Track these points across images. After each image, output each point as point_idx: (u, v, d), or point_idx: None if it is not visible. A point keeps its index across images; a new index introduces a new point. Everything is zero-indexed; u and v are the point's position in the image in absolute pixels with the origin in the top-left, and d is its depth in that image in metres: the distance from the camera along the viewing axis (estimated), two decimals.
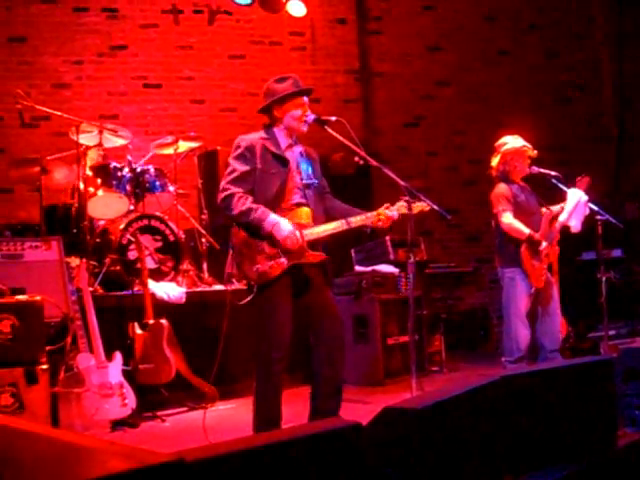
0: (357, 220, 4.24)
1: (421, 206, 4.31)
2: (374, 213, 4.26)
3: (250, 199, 4.09)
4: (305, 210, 4.22)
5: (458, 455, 2.46)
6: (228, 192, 4.10)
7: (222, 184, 4.17)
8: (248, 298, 4.07)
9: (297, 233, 4.08)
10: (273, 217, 4.05)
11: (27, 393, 4.19)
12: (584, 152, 9.72)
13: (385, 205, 4.30)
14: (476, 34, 9.56)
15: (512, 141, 5.92)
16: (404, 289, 6.82)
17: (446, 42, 9.49)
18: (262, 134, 4.30)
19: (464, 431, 2.53)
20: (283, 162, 4.24)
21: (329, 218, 4.28)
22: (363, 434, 2.19)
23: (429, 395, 2.67)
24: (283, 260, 4.07)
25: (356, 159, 4.34)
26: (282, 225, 4.04)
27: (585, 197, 5.88)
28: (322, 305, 4.27)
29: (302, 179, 4.28)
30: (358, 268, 7.00)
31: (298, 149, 4.38)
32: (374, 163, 4.32)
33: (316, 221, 4.22)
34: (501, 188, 5.79)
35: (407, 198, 4.20)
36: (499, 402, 2.76)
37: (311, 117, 4.29)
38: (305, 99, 4.34)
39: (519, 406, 2.84)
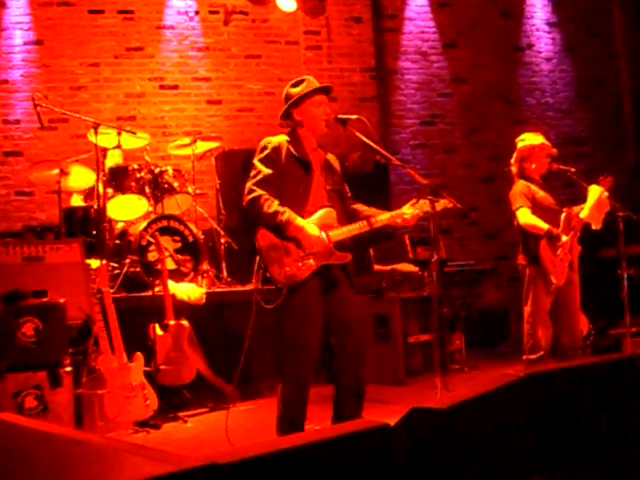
0: (381, 219, 4.24)
1: (444, 203, 4.31)
2: (398, 212, 4.27)
3: (276, 202, 4.06)
4: (330, 211, 4.21)
5: (487, 455, 2.44)
6: (254, 194, 4.07)
7: (248, 185, 4.13)
8: (278, 301, 4.05)
9: (323, 234, 4.07)
10: (299, 221, 4.03)
11: (51, 395, 4.21)
12: (602, 147, 9.67)
13: (411, 202, 4.29)
14: (493, 30, 9.51)
15: (530, 138, 5.89)
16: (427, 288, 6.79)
17: (462, 39, 9.44)
18: (287, 137, 4.28)
19: (493, 431, 2.51)
20: (307, 166, 4.24)
21: (352, 220, 4.28)
22: (391, 435, 2.17)
23: (456, 394, 2.65)
24: (311, 262, 4.06)
25: (378, 157, 4.33)
26: (308, 229, 4.03)
27: (606, 193, 5.84)
28: (346, 308, 4.25)
29: (326, 183, 4.28)
30: (377, 267, 6.98)
31: (322, 154, 4.37)
32: (395, 162, 4.31)
33: (340, 223, 4.22)
34: (519, 185, 5.78)
35: (430, 197, 4.19)
36: (526, 401, 2.73)
37: (331, 116, 4.30)
38: (323, 97, 4.32)
39: (546, 405, 2.81)
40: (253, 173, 4.17)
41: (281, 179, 4.14)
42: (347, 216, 4.31)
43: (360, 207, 4.40)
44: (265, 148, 4.20)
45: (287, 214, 4.03)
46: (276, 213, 4.02)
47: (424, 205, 4.25)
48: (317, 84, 4.34)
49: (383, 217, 4.25)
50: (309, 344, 4.10)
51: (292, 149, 4.21)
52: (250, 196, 4.09)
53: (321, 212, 4.18)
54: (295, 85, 4.32)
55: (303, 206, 4.15)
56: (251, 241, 4.16)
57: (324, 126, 4.28)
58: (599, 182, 5.83)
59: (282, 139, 4.25)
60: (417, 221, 4.29)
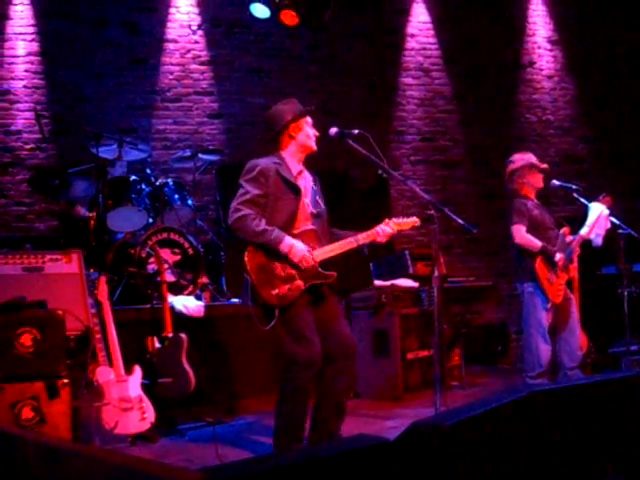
0: (359, 238, 4.34)
1: (411, 222, 4.50)
2: (373, 231, 4.38)
3: (263, 220, 4.13)
4: (312, 236, 4.32)
5: (488, 472, 2.42)
6: (241, 213, 4.14)
7: (233, 205, 4.21)
8: (272, 322, 4.09)
9: (310, 254, 4.17)
10: (288, 239, 4.13)
11: (48, 407, 4.17)
12: (602, 166, 9.67)
13: (385, 222, 4.43)
14: (494, 47, 9.53)
15: (519, 158, 5.96)
16: (427, 303, 6.78)
17: (464, 56, 9.46)
18: (274, 159, 4.37)
19: (493, 447, 2.49)
20: (295, 189, 4.32)
21: (332, 242, 4.38)
22: (391, 451, 2.16)
23: (457, 411, 2.63)
24: (300, 282, 4.15)
25: (379, 172, 4.37)
26: (297, 247, 4.13)
27: (606, 211, 5.86)
28: (335, 317, 4.36)
29: (312, 207, 4.38)
30: (377, 282, 6.96)
31: (309, 177, 4.49)
32: (397, 177, 4.33)
33: (321, 244, 4.32)
34: (516, 203, 5.83)
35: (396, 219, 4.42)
36: (527, 418, 2.72)
37: (334, 130, 4.36)
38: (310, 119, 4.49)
39: (547, 422, 2.80)
40: (240, 193, 4.24)
41: (269, 201, 4.23)
42: (327, 239, 4.40)
43: (338, 231, 4.51)
44: (252, 170, 4.27)
45: (276, 232, 4.11)
46: (265, 231, 4.10)
47: (394, 226, 4.42)
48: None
49: (365, 234, 4.36)
50: (311, 355, 4.11)
51: (280, 171, 4.29)
52: (236, 215, 4.15)
53: (304, 236, 4.27)
54: (285, 103, 4.46)
55: (288, 230, 4.23)
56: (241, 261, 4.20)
57: (314, 145, 4.43)
58: (599, 201, 5.86)
59: (269, 162, 4.33)
60: (390, 238, 4.44)
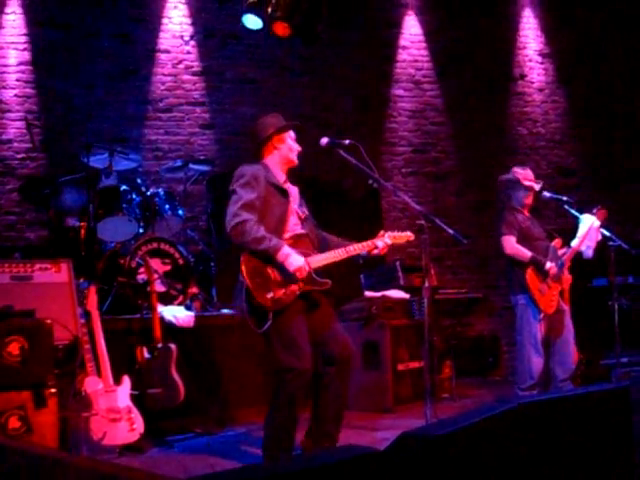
0: (355, 248, 4.38)
1: (405, 236, 4.55)
2: (369, 242, 4.42)
3: (262, 227, 4.12)
4: (306, 240, 4.35)
5: None
6: (241, 218, 4.13)
7: (232, 210, 4.19)
8: (266, 325, 4.07)
9: (306, 263, 4.18)
10: (286, 249, 4.13)
11: (35, 416, 4.14)
12: (592, 179, 9.70)
13: (380, 234, 4.47)
14: (486, 60, 9.56)
15: (513, 171, 6.00)
16: (418, 314, 6.77)
17: (456, 68, 9.49)
18: (260, 167, 4.41)
19: (482, 458, 2.48)
20: (284, 193, 4.37)
21: (323, 247, 4.44)
22: (380, 461, 2.14)
23: (446, 421, 2.62)
24: (294, 287, 4.16)
25: (370, 182, 4.38)
26: (294, 258, 4.12)
27: (597, 223, 5.87)
28: (330, 321, 4.39)
29: (299, 211, 4.44)
30: (368, 293, 6.95)
31: (293, 187, 4.54)
32: (388, 187, 4.34)
33: (314, 249, 4.37)
34: (506, 214, 5.86)
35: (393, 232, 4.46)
36: (517, 430, 2.71)
37: (325, 140, 4.38)
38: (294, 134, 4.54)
39: (536, 434, 2.78)
40: (235, 198, 4.24)
41: (261, 204, 4.23)
42: (318, 243, 4.45)
43: (328, 236, 4.57)
44: (243, 175, 4.30)
45: (274, 241, 4.12)
46: (264, 238, 4.10)
47: (390, 238, 4.46)
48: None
49: (357, 246, 4.40)
50: (305, 359, 4.12)
51: (268, 177, 4.34)
52: (237, 220, 4.14)
53: (298, 240, 4.30)
54: (272, 117, 4.52)
55: (280, 233, 4.26)
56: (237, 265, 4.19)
57: (295, 159, 4.47)
58: (593, 214, 5.88)
59: (258, 167, 4.38)
60: (387, 250, 4.47)
